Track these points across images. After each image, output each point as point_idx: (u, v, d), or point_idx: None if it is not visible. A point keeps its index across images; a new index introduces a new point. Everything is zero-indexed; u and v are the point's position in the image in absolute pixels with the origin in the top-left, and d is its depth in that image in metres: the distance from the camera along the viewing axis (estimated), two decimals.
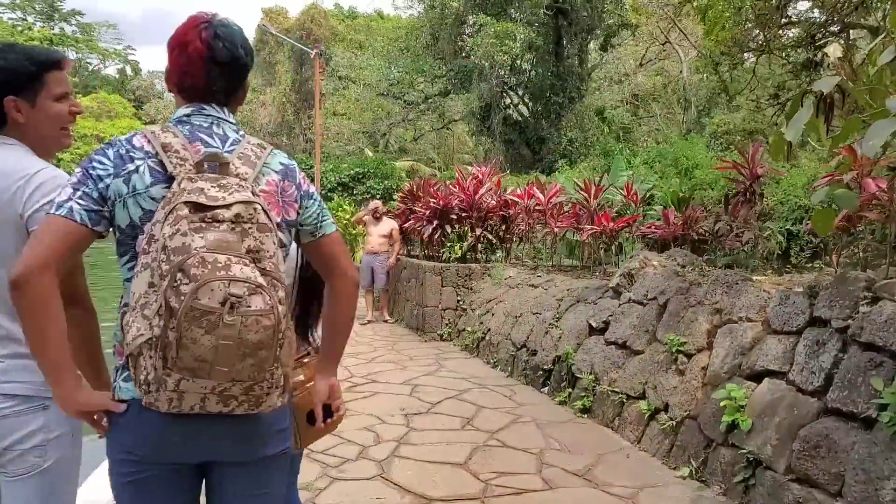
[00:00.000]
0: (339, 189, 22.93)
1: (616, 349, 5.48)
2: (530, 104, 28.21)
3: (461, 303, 8.71)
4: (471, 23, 24.96)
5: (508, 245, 9.48)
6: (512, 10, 25.60)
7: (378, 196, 18.86)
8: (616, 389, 5.17)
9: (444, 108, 31.47)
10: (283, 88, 50.55)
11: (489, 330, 7.72)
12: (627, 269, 5.87)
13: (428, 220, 9.26)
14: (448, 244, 9.31)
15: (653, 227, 7.07)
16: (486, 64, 24.12)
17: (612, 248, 7.85)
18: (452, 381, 6.63)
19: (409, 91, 30.47)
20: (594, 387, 5.45)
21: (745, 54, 13.22)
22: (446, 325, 8.71)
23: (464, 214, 9.10)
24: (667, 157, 13.69)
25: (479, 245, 9.27)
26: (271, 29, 17.67)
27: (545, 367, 6.29)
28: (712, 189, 9.75)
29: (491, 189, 9.31)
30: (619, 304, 5.74)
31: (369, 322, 9.89)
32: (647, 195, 9.62)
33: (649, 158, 14.61)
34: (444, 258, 9.33)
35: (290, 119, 50.41)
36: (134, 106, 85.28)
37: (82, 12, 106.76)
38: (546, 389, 6.19)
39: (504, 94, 26.85)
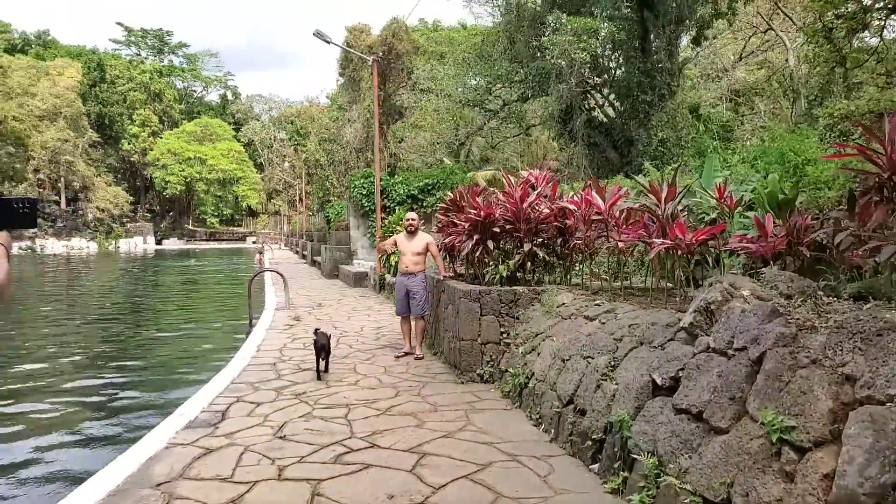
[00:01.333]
0: (409, 202, 21.80)
1: (689, 421, 3.74)
2: (616, 104, 26.24)
3: (505, 336, 7.09)
4: (549, 22, 23.45)
5: (567, 263, 7.78)
6: (592, 6, 23.83)
7: None
8: (688, 486, 3.45)
9: (522, 113, 30.05)
10: (367, 104, 50.78)
11: (532, 374, 6.08)
12: (705, 303, 4.11)
13: (468, 234, 7.73)
14: (491, 263, 7.74)
15: (743, 239, 5.21)
16: (564, 63, 22.58)
17: (703, 263, 6.03)
18: (475, 447, 5.04)
19: (488, 98, 29.34)
20: (657, 475, 3.74)
21: (871, 15, 10.83)
22: (487, 362, 7.12)
23: (509, 227, 7.50)
24: (771, 155, 11.52)
25: (529, 264, 7.63)
26: (326, 36, 16.69)
27: (595, 434, 4.60)
28: (828, 188, 7.67)
29: (543, 196, 7.67)
30: (694, 354, 4.00)
31: (405, 355, 8.46)
32: (746, 199, 7.66)
33: (750, 156, 12.44)
34: (487, 280, 7.76)
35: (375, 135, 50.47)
36: (234, 129, 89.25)
37: (188, 44, 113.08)
38: (595, 467, 4.50)
39: (586, 95, 25.12)
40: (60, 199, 72.45)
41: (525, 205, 7.50)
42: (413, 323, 8.45)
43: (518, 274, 7.63)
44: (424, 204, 21.60)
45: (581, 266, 7.97)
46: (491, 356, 7.12)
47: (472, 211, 7.71)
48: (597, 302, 6.19)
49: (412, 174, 23.17)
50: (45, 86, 66.36)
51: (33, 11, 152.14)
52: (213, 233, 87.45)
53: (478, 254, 7.66)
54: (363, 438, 5.28)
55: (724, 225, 5.73)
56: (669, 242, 5.33)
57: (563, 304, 6.62)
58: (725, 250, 5.60)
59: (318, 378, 7.41)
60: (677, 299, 5.72)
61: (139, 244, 76.30)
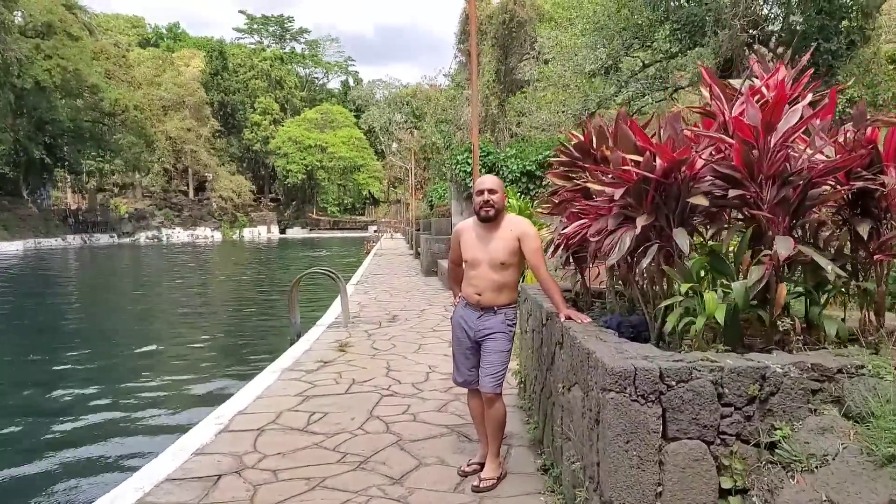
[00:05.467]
0: (524, 180, 17.29)
1: None
2: (787, 55, 20.21)
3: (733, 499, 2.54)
4: None
5: (883, 275, 3.07)
6: None
7: None
8: None
9: (667, 73, 24.72)
10: (486, 80, 46.63)
11: None
12: None
13: (620, 213, 3.24)
14: (682, 284, 3.15)
15: None
16: (726, 4, 17.45)
17: None
18: None
19: (623, 61, 24.19)
20: None
21: None
22: None
23: (730, 193, 2.94)
24: None
25: (782, 286, 2.97)
26: None
27: None
28: None
29: (806, 121, 3.01)
30: None
31: (481, 467, 4.06)
32: None
33: None
34: (671, 328, 3.16)
35: (495, 112, 46.79)
36: (354, 115, 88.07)
37: (309, 30, 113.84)
38: None
39: (749, 48, 19.61)
40: (188, 189, 74.13)
41: (775, 139, 2.90)
42: (485, 405, 4.00)
43: (759, 312, 3.01)
44: (544, 183, 17.03)
45: None
46: None
47: (634, 159, 3.18)
48: None
49: (528, 145, 18.61)
50: (169, 76, 67.47)
51: (166, 5, 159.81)
52: (336, 222, 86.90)
53: (647, 259, 3.12)
54: None
55: None
56: None
57: None
58: None
59: None
60: None
61: (262, 233, 76.75)
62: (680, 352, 2.99)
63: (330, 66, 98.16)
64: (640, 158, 3.12)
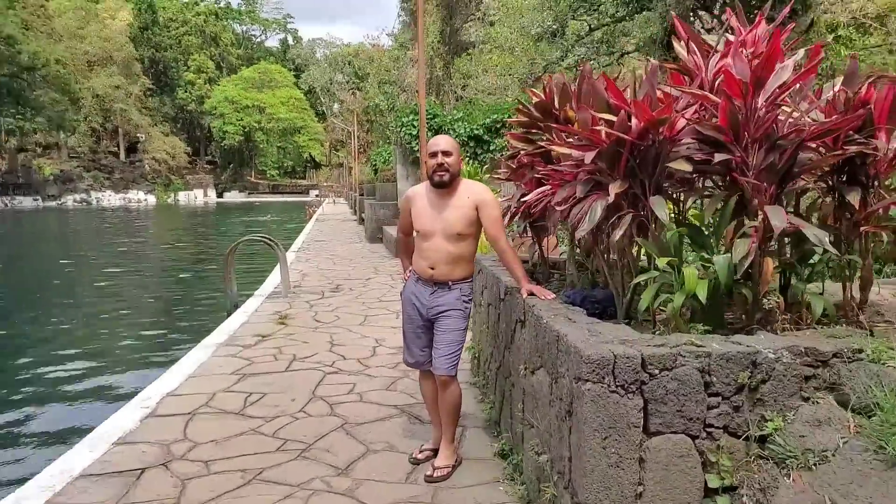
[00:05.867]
0: (472, 145, 16.91)
1: None
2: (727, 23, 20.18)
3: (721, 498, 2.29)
4: None
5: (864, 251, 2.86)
6: None
7: None
8: None
9: (614, 38, 24.54)
10: (430, 41, 45.71)
11: None
12: None
13: (590, 180, 2.91)
14: (657, 255, 2.87)
15: None
16: None
17: None
18: None
19: (568, 25, 23.84)
20: None
21: None
22: None
23: (713, 156, 2.64)
24: None
25: (771, 260, 2.72)
26: None
27: None
28: None
29: (799, 79, 2.73)
30: None
31: (434, 453, 3.76)
32: None
33: None
34: (647, 307, 2.87)
35: (440, 75, 46.21)
36: (294, 75, 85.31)
37: None
38: None
39: (696, 14, 19.54)
40: (119, 150, 70.72)
41: (763, 98, 2.61)
42: (439, 388, 3.67)
43: (742, 290, 2.74)
44: (492, 148, 16.70)
45: None
46: None
47: (606, 118, 2.84)
48: None
49: (476, 108, 18.18)
50: (94, 28, 63.57)
51: None
52: (276, 185, 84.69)
53: (619, 230, 2.81)
54: None
55: None
56: None
57: None
58: None
59: None
60: None
61: (199, 197, 74.18)
62: (655, 332, 2.72)
63: (268, 23, 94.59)
64: (612, 118, 2.79)
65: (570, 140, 3.16)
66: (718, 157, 2.65)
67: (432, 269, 3.57)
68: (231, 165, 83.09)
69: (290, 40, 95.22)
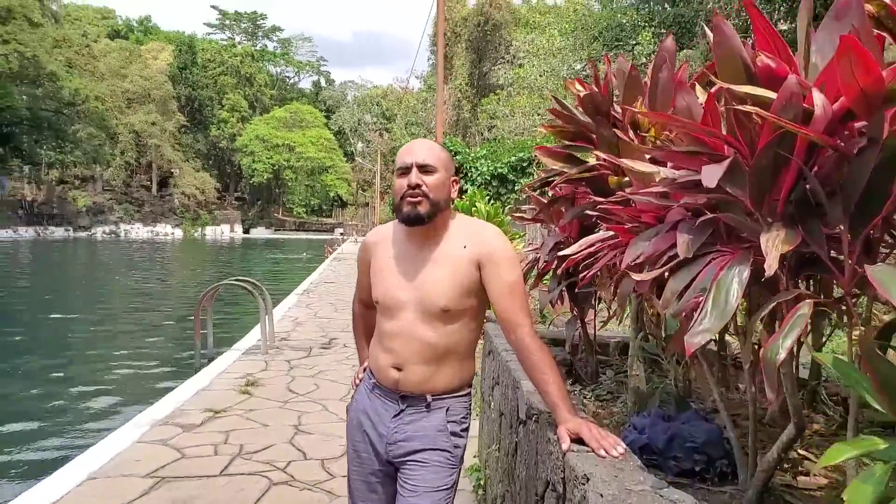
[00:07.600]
0: (495, 185, 15.54)
1: None
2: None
3: None
4: None
5: None
6: None
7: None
8: None
9: None
10: (458, 83, 45.21)
11: None
12: None
13: (700, 223, 1.41)
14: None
15: None
16: (719, 4, 16.64)
17: None
18: None
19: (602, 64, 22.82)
20: None
21: None
22: None
23: None
24: None
25: None
26: None
27: None
28: None
29: None
30: None
31: None
32: None
33: None
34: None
35: (467, 117, 45.71)
36: (325, 116, 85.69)
37: (282, 28, 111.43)
38: None
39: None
40: (151, 184, 71.15)
41: None
42: None
43: None
44: (517, 188, 15.34)
45: None
46: None
47: (759, 94, 1.36)
48: None
49: (501, 146, 16.87)
50: (136, 68, 64.82)
51: None
52: (302, 223, 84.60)
53: (787, 339, 1.29)
54: None
55: None
56: None
57: None
58: None
59: None
60: None
61: (225, 232, 74.08)
62: None
63: (302, 66, 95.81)
64: (766, 93, 1.30)
65: (665, 146, 1.67)
66: None
67: (398, 370, 2.02)
68: (259, 202, 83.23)
69: (323, 82, 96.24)
